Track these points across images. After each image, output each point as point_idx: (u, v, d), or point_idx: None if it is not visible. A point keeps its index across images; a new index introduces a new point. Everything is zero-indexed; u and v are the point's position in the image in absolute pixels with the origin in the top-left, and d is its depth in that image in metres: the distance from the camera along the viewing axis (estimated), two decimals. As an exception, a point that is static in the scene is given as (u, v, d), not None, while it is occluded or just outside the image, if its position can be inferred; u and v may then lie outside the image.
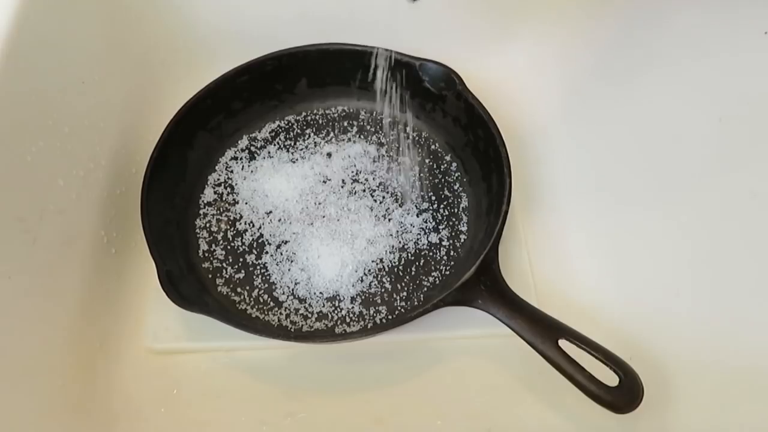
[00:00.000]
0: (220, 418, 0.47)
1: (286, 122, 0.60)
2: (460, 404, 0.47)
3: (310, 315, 0.50)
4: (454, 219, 0.54)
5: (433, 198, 0.55)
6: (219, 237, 0.53)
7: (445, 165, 0.57)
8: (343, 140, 0.59)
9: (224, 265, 0.52)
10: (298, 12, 0.60)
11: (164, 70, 0.61)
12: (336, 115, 0.60)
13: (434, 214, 0.54)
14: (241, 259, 0.52)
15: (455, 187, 0.56)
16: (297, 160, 0.57)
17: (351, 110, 0.60)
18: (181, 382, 0.49)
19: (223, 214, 0.55)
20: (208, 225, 0.54)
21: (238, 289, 0.51)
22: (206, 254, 0.53)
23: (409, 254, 0.52)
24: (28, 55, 0.43)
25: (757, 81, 0.41)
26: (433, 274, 0.51)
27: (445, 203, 0.55)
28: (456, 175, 0.56)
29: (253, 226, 0.54)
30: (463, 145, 0.56)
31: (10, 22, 0.42)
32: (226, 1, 0.60)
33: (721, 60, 0.44)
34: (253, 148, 0.58)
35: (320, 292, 0.51)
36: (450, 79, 0.54)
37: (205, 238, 0.53)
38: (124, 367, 0.49)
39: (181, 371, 0.49)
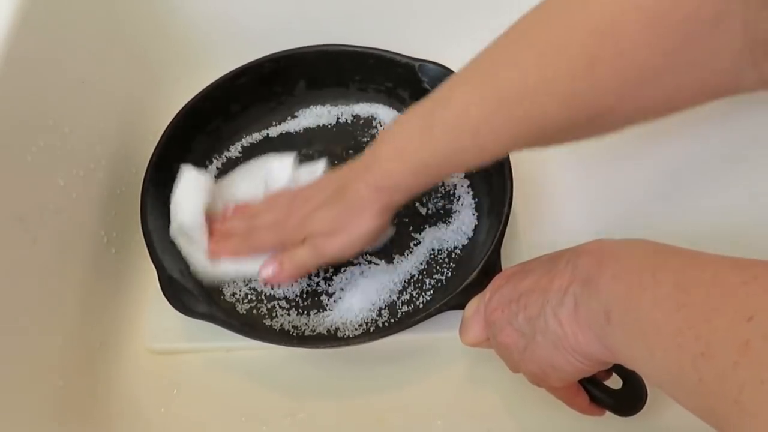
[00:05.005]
0: (220, 418, 0.47)
1: (285, 124, 0.59)
2: (460, 404, 0.48)
3: (311, 319, 0.49)
4: (455, 221, 0.54)
5: (434, 200, 0.55)
6: (219, 239, 0.53)
7: (445, 166, 0.57)
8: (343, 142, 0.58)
9: (225, 267, 0.52)
10: (297, 12, 0.60)
11: (164, 70, 0.61)
12: (336, 116, 0.60)
13: (435, 216, 0.54)
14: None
15: (456, 189, 0.55)
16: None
17: (351, 111, 0.60)
18: (181, 382, 0.49)
19: (224, 217, 0.54)
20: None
21: (240, 293, 0.51)
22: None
23: (411, 257, 0.52)
24: (28, 55, 0.43)
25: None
26: (435, 276, 0.51)
27: (445, 205, 0.55)
28: (456, 176, 0.56)
29: (254, 227, 0.54)
30: (463, 145, 0.56)
31: (10, 22, 0.41)
32: (225, 1, 0.60)
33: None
34: (252, 151, 0.58)
35: (322, 296, 0.50)
36: (450, 80, 0.54)
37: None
38: (124, 367, 0.49)
39: (181, 371, 0.49)
